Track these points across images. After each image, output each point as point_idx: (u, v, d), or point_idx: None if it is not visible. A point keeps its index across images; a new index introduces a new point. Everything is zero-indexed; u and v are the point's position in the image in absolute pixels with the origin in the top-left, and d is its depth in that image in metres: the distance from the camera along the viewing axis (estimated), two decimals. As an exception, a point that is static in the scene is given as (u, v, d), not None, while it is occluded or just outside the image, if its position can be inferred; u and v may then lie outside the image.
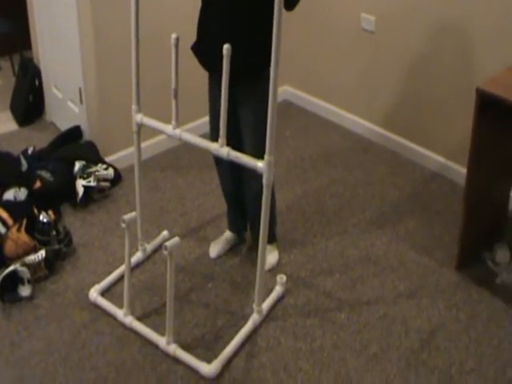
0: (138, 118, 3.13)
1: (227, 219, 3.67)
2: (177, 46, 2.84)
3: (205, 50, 3.09)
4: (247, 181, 3.32)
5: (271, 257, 3.54)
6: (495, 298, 3.37)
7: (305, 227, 3.85)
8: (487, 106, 3.14)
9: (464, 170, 3.43)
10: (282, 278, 3.35)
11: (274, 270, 3.48)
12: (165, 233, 3.68)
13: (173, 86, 2.91)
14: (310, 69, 5.04)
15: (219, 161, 3.29)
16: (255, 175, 2.87)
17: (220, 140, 2.84)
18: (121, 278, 3.35)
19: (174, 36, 2.83)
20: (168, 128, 3.02)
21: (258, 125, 2.95)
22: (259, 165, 2.78)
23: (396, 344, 3.10)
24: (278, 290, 3.33)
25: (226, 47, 2.64)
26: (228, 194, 3.55)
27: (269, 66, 2.69)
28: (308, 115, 5.06)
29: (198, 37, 3.12)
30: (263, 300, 3.19)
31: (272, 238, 3.54)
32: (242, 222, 3.63)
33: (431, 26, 4.10)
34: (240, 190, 3.46)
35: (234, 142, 2.99)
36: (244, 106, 3.11)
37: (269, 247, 3.41)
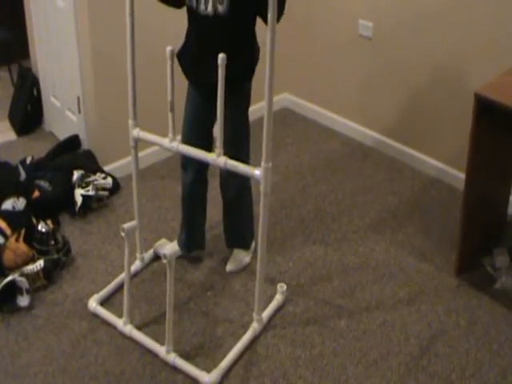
0: (135, 132, 3.14)
1: (182, 239, 3.56)
2: (172, 58, 2.84)
3: (189, 66, 3.14)
4: (228, 181, 3.33)
5: (246, 259, 3.58)
6: (495, 303, 3.36)
7: (304, 234, 3.85)
8: (485, 110, 3.14)
9: (462, 175, 3.43)
10: (282, 287, 3.34)
11: (273, 278, 3.47)
12: (164, 241, 3.68)
13: (169, 98, 2.91)
14: (308, 76, 5.04)
15: (187, 167, 3.34)
16: (236, 175, 2.93)
17: (217, 150, 2.84)
18: (120, 288, 3.35)
19: (168, 49, 2.83)
20: (165, 141, 3.03)
21: (234, 135, 3.09)
22: (256, 173, 2.77)
23: (396, 350, 3.09)
24: (278, 298, 3.32)
25: (221, 57, 2.64)
26: (190, 204, 3.47)
27: (249, 79, 3.08)
28: (307, 122, 5.06)
29: (184, 52, 3.13)
30: (263, 308, 3.19)
31: (251, 242, 3.59)
32: (201, 237, 3.58)
33: (428, 32, 4.11)
34: (203, 201, 3.48)
35: (207, 147, 3.16)
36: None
37: (247, 252, 3.58)
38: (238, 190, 3.36)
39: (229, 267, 3.54)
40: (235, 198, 3.40)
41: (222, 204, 3.47)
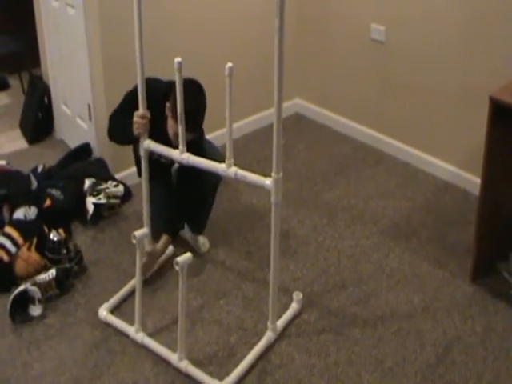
0: (146, 143, 3.14)
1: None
2: (180, 70, 2.80)
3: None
4: (207, 176, 3.39)
5: (205, 244, 3.76)
6: (511, 308, 3.32)
7: (317, 241, 3.82)
8: (500, 114, 3.11)
9: (477, 179, 3.39)
10: (298, 295, 3.31)
11: (287, 286, 3.44)
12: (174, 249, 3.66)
13: (178, 110, 2.89)
14: (320, 81, 5.02)
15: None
16: (213, 173, 3.05)
17: (227, 161, 2.82)
18: (131, 295, 3.33)
19: (177, 60, 2.77)
20: (175, 153, 3.02)
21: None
22: (267, 182, 2.74)
23: (411, 358, 3.05)
24: (294, 307, 3.29)
25: (229, 67, 2.62)
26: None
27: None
28: (319, 127, 5.03)
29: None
30: (278, 317, 3.15)
31: (203, 229, 3.80)
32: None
33: (441, 36, 4.08)
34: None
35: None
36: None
37: (201, 237, 3.77)
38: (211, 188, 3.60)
39: (205, 248, 3.76)
40: (207, 193, 3.62)
41: (201, 195, 3.59)
